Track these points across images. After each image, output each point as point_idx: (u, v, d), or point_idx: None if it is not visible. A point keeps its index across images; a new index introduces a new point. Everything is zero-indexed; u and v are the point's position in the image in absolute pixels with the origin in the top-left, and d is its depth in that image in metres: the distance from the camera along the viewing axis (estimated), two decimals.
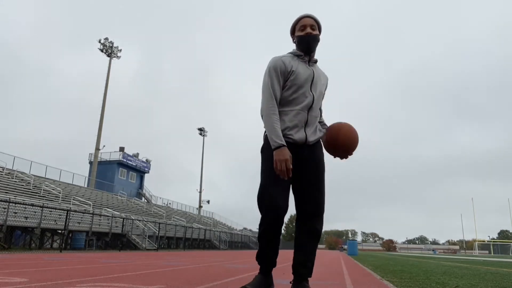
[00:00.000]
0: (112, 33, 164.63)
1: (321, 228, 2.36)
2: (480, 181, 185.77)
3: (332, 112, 2.60)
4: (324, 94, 2.54)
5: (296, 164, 2.29)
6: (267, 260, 2.33)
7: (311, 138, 2.35)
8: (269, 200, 2.21)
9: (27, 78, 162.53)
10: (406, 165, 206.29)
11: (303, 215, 2.36)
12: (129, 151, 44.91)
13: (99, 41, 37.62)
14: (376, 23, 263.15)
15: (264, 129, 2.35)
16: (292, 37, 2.45)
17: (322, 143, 2.48)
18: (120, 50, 38.71)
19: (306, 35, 2.34)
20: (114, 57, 38.25)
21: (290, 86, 2.32)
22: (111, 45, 37.97)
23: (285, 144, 2.18)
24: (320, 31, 2.42)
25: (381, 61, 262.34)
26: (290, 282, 2.34)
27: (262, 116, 2.31)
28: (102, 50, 37.68)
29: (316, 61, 2.47)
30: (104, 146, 35.74)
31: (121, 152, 43.32)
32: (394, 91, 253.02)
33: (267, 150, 2.30)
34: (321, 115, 2.56)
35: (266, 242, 2.30)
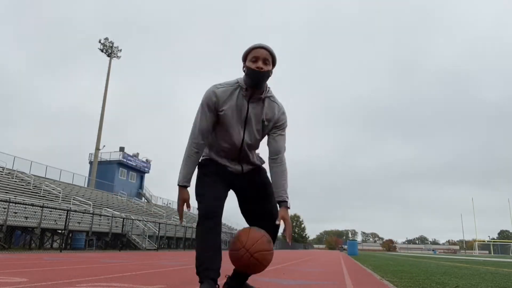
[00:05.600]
0: (112, 33, 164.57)
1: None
2: (480, 181, 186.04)
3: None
4: (270, 133, 2.27)
5: (239, 188, 2.36)
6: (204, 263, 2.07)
7: (247, 168, 2.35)
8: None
9: (28, 82, 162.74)
10: (406, 165, 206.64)
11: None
12: (129, 151, 44.97)
13: (99, 41, 37.71)
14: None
15: None
16: (243, 64, 2.20)
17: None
18: (120, 50, 38.79)
19: (256, 70, 2.10)
20: (114, 57, 38.33)
21: (221, 122, 2.20)
22: (111, 45, 38.04)
23: (187, 185, 2.18)
24: (274, 64, 2.20)
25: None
26: None
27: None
28: (102, 50, 37.76)
29: (263, 98, 2.22)
30: (104, 146, 35.85)
31: (121, 152, 43.29)
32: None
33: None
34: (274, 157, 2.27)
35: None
